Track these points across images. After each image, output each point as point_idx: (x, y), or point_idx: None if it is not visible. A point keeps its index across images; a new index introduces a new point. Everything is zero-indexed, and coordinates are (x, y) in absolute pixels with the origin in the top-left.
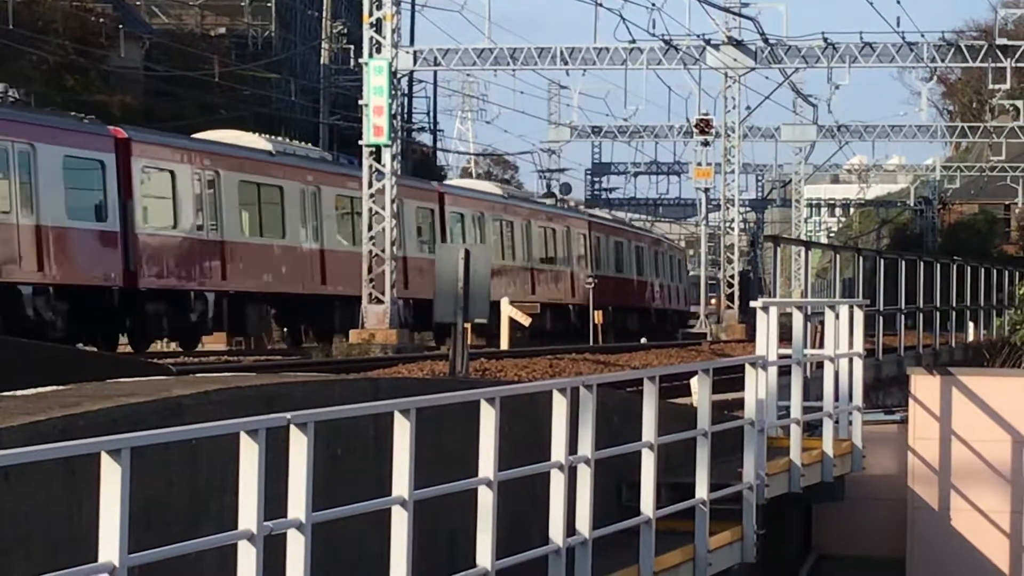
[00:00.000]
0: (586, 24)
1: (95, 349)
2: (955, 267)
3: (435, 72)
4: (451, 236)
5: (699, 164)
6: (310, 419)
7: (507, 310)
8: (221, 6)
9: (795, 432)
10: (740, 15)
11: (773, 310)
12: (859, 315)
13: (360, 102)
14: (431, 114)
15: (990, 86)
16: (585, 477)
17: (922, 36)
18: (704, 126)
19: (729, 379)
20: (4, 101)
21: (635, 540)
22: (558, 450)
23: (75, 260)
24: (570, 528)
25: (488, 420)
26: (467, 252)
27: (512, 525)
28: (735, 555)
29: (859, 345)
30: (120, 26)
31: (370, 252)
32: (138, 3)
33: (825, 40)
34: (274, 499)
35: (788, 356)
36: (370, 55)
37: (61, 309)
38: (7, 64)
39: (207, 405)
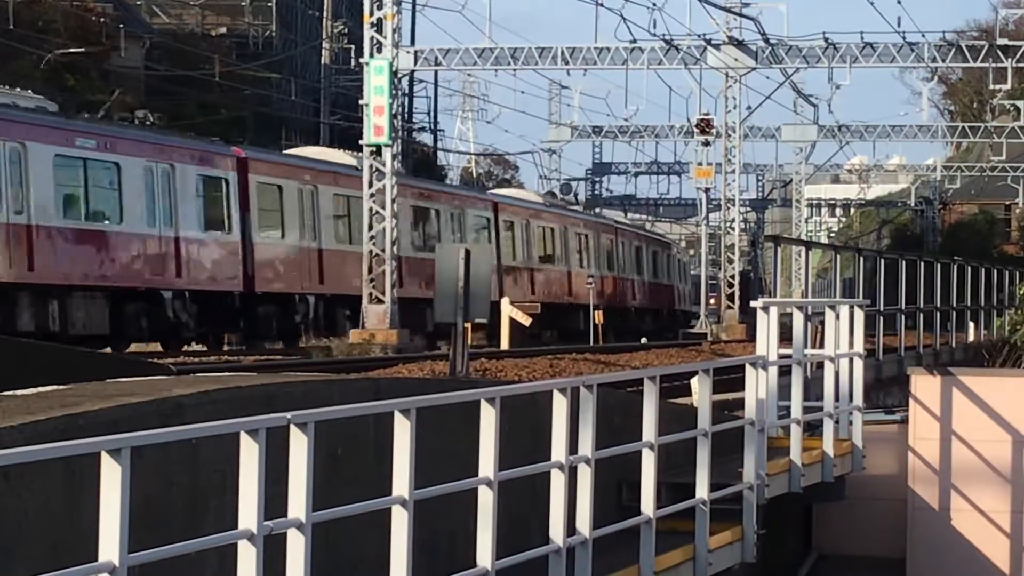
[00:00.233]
0: (587, 24)
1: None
2: (955, 267)
3: (436, 72)
4: (504, 241)
5: (700, 164)
6: (310, 419)
7: (507, 310)
8: (221, 6)
9: (795, 432)
10: (741, 15)
11: (773, 310)
12: (859, 315)
13: (361, 102)
14: (432, 114)
15: (991, 86)
16: (585, 477)
17: (923, 36)
18: (705, 126)
19: (729, 379)
20: (144, 125)
21: (635, 540)
22: (558, 450)
23: (206, 268)
24: (570, 528)
25: (488, 420)
26: (467, 252)
27: (512, 525)
28: (735, 555)
29: (859, 345)
30: (121, 26)
31: (370, 252)
32: (138, 3)
33: (826, 40)
34: (274, 499)
35: (788, 356)
36: (371, 55)
37: (194, 312)
38: (8, 64)
39: (207, 405)
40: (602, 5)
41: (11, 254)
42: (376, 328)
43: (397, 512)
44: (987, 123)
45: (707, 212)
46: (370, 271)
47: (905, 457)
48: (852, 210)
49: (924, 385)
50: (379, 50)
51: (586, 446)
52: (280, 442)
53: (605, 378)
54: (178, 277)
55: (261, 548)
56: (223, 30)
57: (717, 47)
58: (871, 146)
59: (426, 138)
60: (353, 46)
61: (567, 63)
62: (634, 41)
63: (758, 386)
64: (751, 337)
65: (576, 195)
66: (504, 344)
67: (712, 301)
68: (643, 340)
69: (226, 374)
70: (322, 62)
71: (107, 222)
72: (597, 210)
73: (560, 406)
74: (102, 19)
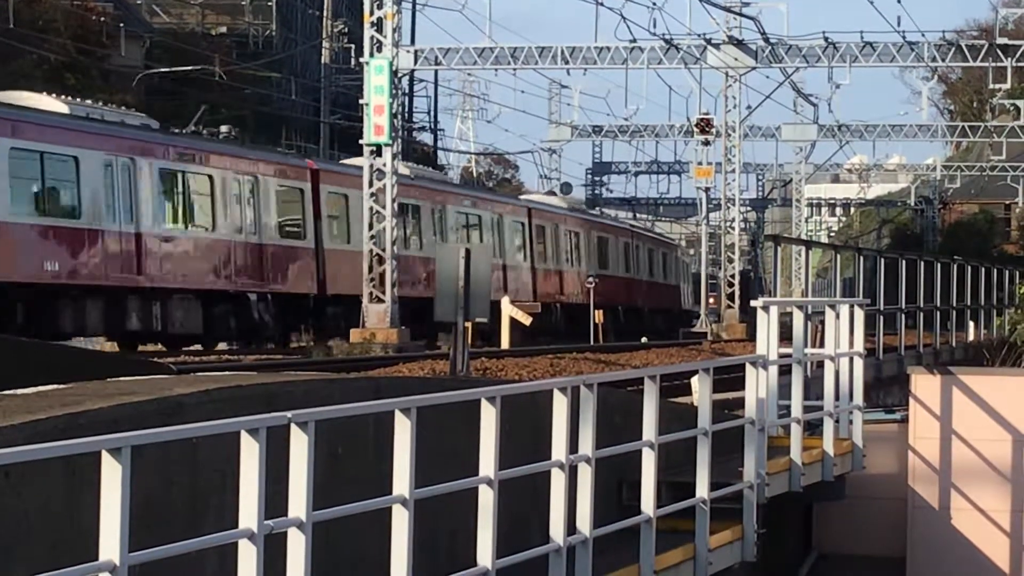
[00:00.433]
0: (587, 23)
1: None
2: (955, 266)
3: (436, 71)
4: (537, 244)
5: (700, 163)
6: (311, 418)
7: (508, 309)
8: (222, 5)
9: (795, 431)
10: (741, 14)
11: (774, 309)
12: (859, 314)
13: (361, 101)
14: (432, 113)
15: (990, 85)
16: (586, 476)
17: (923, 35)
18: (705, 125)
19: (730, 378)
20: (229, 139)
21: (636, 539)
22: (559, 449)
23: (286, 272)
24: (571, 527)
25: (489, 419)
26: (467, 251)
27: (512, 524)
28: (735, 554)
29: (859, 344)
30: (121, 25)
31: (371, 251)
32: (139, 2)
33: (826, 39)
34: (274, 498)
35: (789, 355)
36: (371, 54)
37: (273, 313)
38: (8, 63)
39: (208, 404)
40: (602, 5)
41: (122, 260)
42: (376, 327)
43: (397, 511)
44: (987, 122)
45: (707, 211)
46: (370, 270)
47: (905, 456)
48: (852, 210)
49: (924, 384)
50: (379, 49)
51: (586, 445)
52: (280, 441)
53: (605, 377)
54: (262, 281)
55: (261, 547)
56: (223, 29)
57: (717, 46)
58: (871, 145)
59: (426, 137)
60: (353, 45)
61: (567, 62)
62: (634, 40)
63: (758, 385)
64: (751, 336)
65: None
66: (504, 343)
67: (712, 300)
68: (643, 339)
69: (226, 373)
70: (322, 61)
71: (203, 230)
72: (615, 214)
73: (560, 405)
74: (102, 18)
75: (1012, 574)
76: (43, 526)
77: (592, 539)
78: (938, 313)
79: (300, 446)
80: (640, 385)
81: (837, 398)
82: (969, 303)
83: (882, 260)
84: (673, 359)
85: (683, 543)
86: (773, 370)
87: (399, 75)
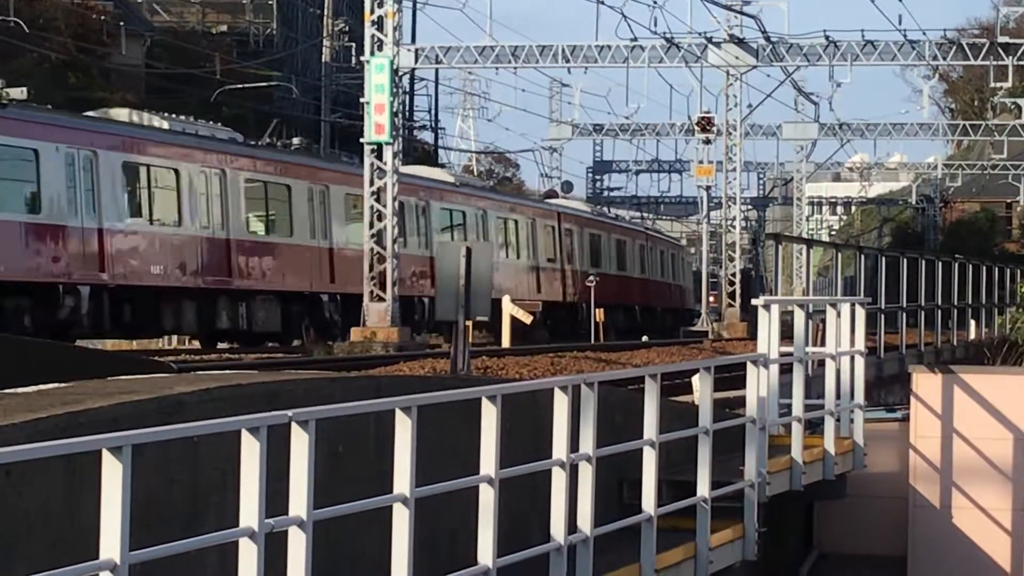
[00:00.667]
0: (588, 22)
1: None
2: (956, 265)
3: (436, 70)
4: (566, 245)
5: (700, 162)
6: (312, 416)
7: (508, 308)
8: (222, 3)
9: (796, 430)
10: (742, 13)
11: (775, 308)
12: (860, 313)
13: (361, 100)
14: (433, 112)
15: (992, 84)
16: (586, 475)
17: (924, 34)
18: (706, 124)
19: (731, 377)
20: (300, 149)
21: (636, 538)
22: (559, 448)
23: (353, 274)
24: (571, 526)
25: (489, 418)
26: (468, 250)
27: (513, 523)
28: (736, 553)
29: (860, 343)
30: (121, 24)
31: (371, 250)
32: (139, 1)
33: (827, 38)
34: (275, 497)
35: (790, 354)
36: (371, 53)
37: (342, 311)
38: (9, 62)
39: (208, 403)
40: (603, 3)
41: (216, 264)
42: (377, 326)
43: (398, 510)
44: (988, 121)
45: (708, 210)
46: (371, 269)
47: (906, 455)
48: (853, 208)
49: (925, 383)
50: (380, 48)
51: (587, 444)
52: (281, 440)
53: (606, 376)
54: (332, 283)
55: (262, 546)
56: (224, 28)
57: (718, 45)
58: (872, 144)
59: (427, 136)
60: (354, 44)
61: (568, 61)
62: (635, 39)
63: (759, 384)
64: (752, 335)
65: (568, 186)
66: (505, 342)
67: (712, 299)
68: (644, 338)
69: (227, 372)
70: (323, 60)
71: (281, 236)
72: (629, 216)
73: (561, 404)
74: (103, 17)
75: (1013, 573)
76: (44, 525)
77: (593, 538)
78: (939, 312)
79: (301, 445)
80: (641, 384)
81: (838, 397)
82: (970, 302)
83: (883, 259)
84: (674, 358)
85: (684, 542)
86: (774, 369)
87: (400, 74)
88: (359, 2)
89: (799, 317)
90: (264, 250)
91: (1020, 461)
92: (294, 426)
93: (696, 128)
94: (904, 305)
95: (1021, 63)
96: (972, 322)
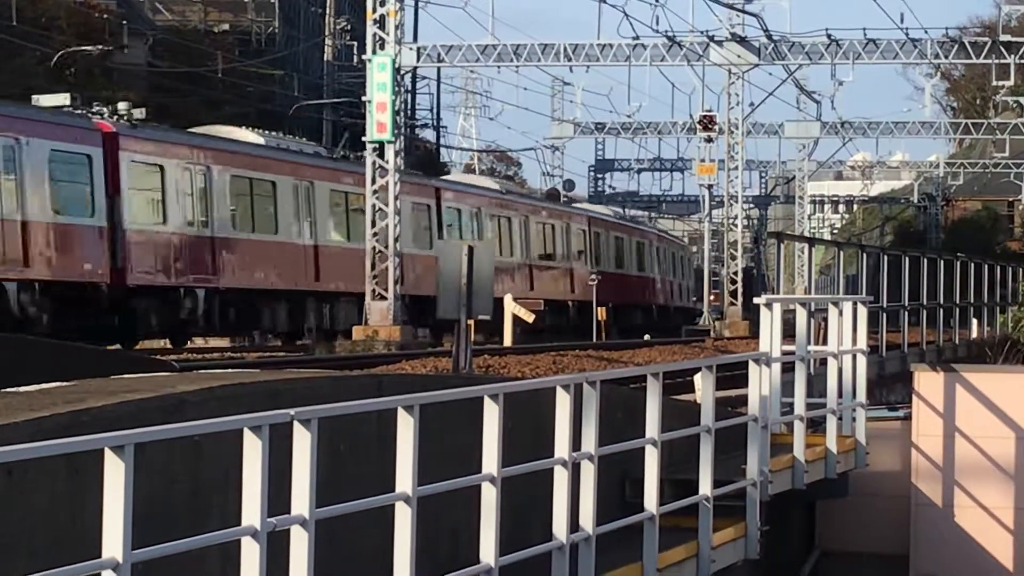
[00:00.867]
0: (590, 20)
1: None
2: (958, 263)
3: (438, 68)
4: (597, 248)
5: (702, 160)
6: (314, 415)
7: (510, 307)
8: (224, 2)
9: (799, 429)
10: (744, 11)
11: (776, 307)
12: (862, 312)
13: (363, 98)
14: (434, 110)
15: (993, 83)
16: (589, 474)
17: (926, 33)
18: (707, 122)
19: (733, 376)
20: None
21: (638, 537)
22: (562, 447)
23: (418, 277)
24: (573, 525)
25: (491, 416)
26: (470, 248)
27: (515, 522)
28: (738, 552)
29: (862, 342)
30: (124, 22)
31: (373, 248)
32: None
33: (829, 36)
34: (277, 495)
35: (792, 353)
36: (373, 51)
37: (415, 311)
38: (11, 61)
39: (210, 401)
40: (605, 2)
41: (305, 268)
42: (379, 325)
43: (400, 509)
44: (990, 119)
45: (710, 209)
46: (373, 267)
47: (908, 454)
48: (855, 207)
49: (927, 382)
50: (382, 47)
51: (589, 443)
52: (283, 439)
53: (608, 375)
54: (400, 284)
55: (264, 545)
56: (226, 27)
57: (720, 44)
58: (874, 143)
59: (429, 135)
60: (356, 43)
61: (570, 60)
62: (637, 38)
63: (761, 383)
64: (754, 334)
65: (570, 185)
66: (507, 341)
67: (713, 297)
68: (646, 337)
69: (229, 371)
70: (325, 59)
71: (357, 243)
72: (647, 217)
73: (563, 403)
74: (105, 16)
75: (1015, 571)
76: (46, 524)
77: (595, 536)
78: (941, 310)
79: (303, 443)
80: (643, 382)
81: (840, 395)
82: (972, 300)
83: (885, 257)
84: (676, 356)
85: (686, 540)
86: (776, 367)
87: (402, 72)
88: (361, 1)
89: (801, 316)
90: (345, 255)
91: (1022, 460)
92: (296, 425)
93: (698, 127)
94: (906, 304)
95: (1023, 62)
96: (974, 321)
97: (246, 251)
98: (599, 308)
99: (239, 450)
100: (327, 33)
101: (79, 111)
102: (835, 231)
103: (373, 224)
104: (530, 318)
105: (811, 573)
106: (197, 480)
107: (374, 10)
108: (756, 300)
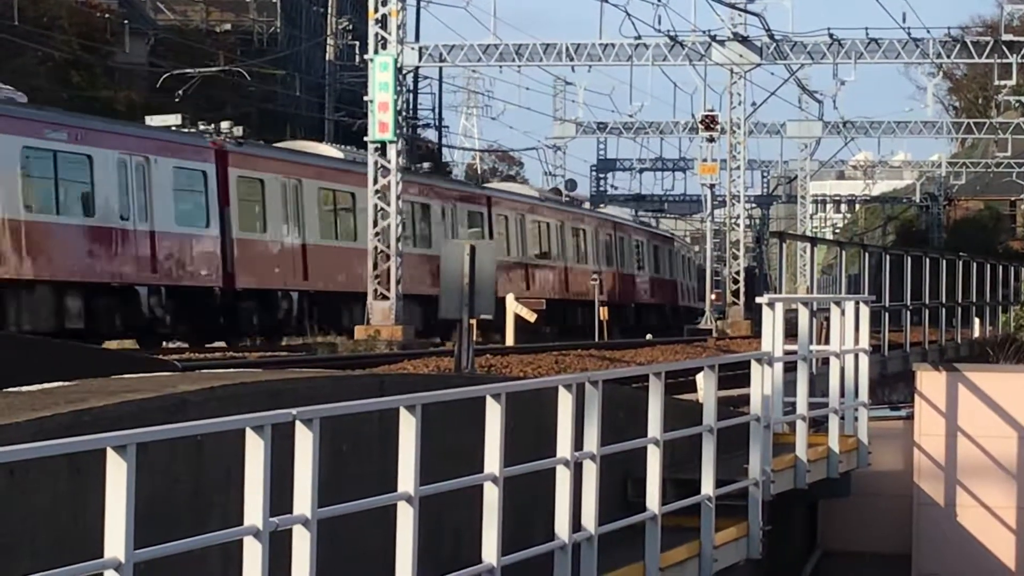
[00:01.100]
0: (591, 20)
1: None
2: (960, 263)
3: (440, 68)
4: (624, 252)
5: (704, 160)
6: (316, 415)
7: (512, 306)
8: (226, 2)
9: (801, 428)
10: (746, 11)
11: (779, 306)
12: (865, 311)
13: (365, 98)
14: (436, 110)
15: (996, 82)
16: (591, 473)
17: (928, 32)
18: (709, 122)
19: (735, 375)
20: (431, 173)
21: (641, 536)
22: (564, 446)
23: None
24: (575, 524)
25: (494, 416)
26: (472, 248)
27: (517, 521)
28: (741, 551)
29: (865, 341)
30: (125, 22)
31: (375, 248)
32: None
33: (831, 36)
34: (279, 495)
35: (794, 352)
36: (375, 51)
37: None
38: (12, 61)
39: (212, 401)
40: (607, 1)
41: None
42: (381, 324)
43: (402, 508)
44: (992, 119)
45: (712, 208)
46: (375, 267)
47: (910, 453)
48: (857, 206)
49: (929, 381)
50: (384, 46)
51: (591, 442)
52: (285, 438)
53: (610, 374)
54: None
55: (267, 544)
56: (227, 26)
57: (722, 43)
58: (876, 142)
59: (431, 134)
60: (357, 42)
61: (572, 59)
62: (639, 37)
63: (763, 382)
64: (756, 333)
65: (572, 184)
66: (509, 340)
67: (714, 297)
68: (648, 336)
69: (231, 370)
70: (326, 58)
71: (423, 248)
72: (658, 222)
73: (565, 402)
74: (106, 15)
75: (1017, 570)
76: (48, 524)
77: (597, 536)
78: (943, 310)
79: (305, 443)
80: (645, 382)
81: (842, 395)
82: (974, 300)
83: (887, 257)
84: (678, 356)
85: (688, 540)
86: (778, 367)
87: (403, 72)
88: (363, 0)
89: (803, 315)
90: (416, 260)
91: None
92: (298, 424)
93: (700, 126)
94: (908, 303)
95: None
96: (976, 320)
97: (331, 257)
98: (602, 308)
99: (241, 450)
100: (329, 33)
101: (188, 130)
102: (837, 231)
103: (375, 224)
104: (532, 317)
105: (813, 573)
106: (199, 480)
107: (376, 10)
108: (758, 300)
